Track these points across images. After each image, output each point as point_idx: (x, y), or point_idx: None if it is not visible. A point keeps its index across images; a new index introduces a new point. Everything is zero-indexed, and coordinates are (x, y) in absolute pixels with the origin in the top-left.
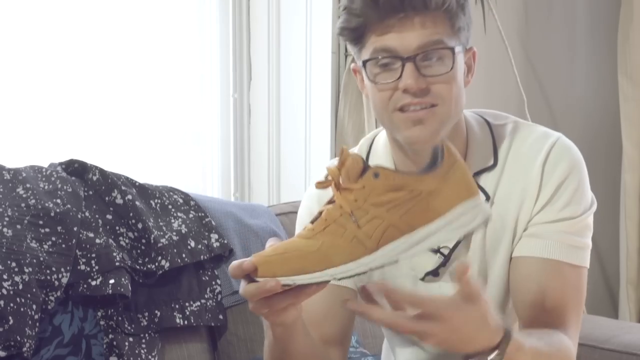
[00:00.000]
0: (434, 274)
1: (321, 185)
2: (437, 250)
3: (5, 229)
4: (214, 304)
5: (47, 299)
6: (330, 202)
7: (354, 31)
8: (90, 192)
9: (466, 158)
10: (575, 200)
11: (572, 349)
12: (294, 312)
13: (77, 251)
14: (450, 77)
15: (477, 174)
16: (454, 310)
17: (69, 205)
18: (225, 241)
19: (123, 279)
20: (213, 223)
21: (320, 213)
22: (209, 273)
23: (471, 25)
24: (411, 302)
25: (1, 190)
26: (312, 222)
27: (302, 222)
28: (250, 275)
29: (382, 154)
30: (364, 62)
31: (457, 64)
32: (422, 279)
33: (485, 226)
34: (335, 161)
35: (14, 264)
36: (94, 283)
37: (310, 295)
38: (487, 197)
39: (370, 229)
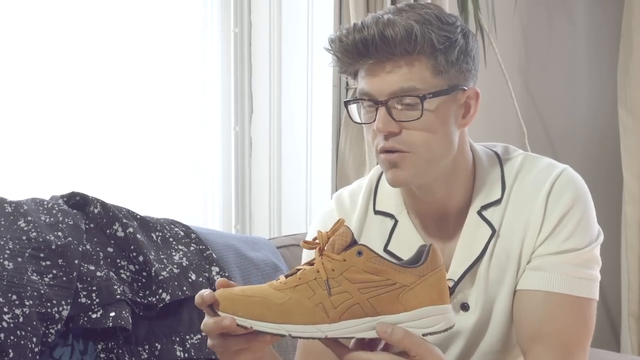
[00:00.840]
0: None
1: (307, 245)
2: None
3: (6, 262)
4: None
5: (47, 331)
6: (310, 263)
7: (345, 71)
8: (92, 225)
9: (472, 193)
10: (579, 231)
11: None
12: (247, 358)
13: (77, 284)
14: (421, 123)
15: (484, 207)
16: None
17: (70, 238)
18: (226, 274)
19: (124, 312)
20: (214, 256)
21: (296, 270)
22: None
23: (468, 66)
24: None
25: (3, 223)
26: (287, 276)
27: (309, 252)
28: (214, 310)
29: None
30: (345, 103)
31: (436, 110)
32: None
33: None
34: (328, 226)
35: (14, 297)
36: (94, 316)
37: (263, 344)
38: (494, 231)
39: (338, 300)
